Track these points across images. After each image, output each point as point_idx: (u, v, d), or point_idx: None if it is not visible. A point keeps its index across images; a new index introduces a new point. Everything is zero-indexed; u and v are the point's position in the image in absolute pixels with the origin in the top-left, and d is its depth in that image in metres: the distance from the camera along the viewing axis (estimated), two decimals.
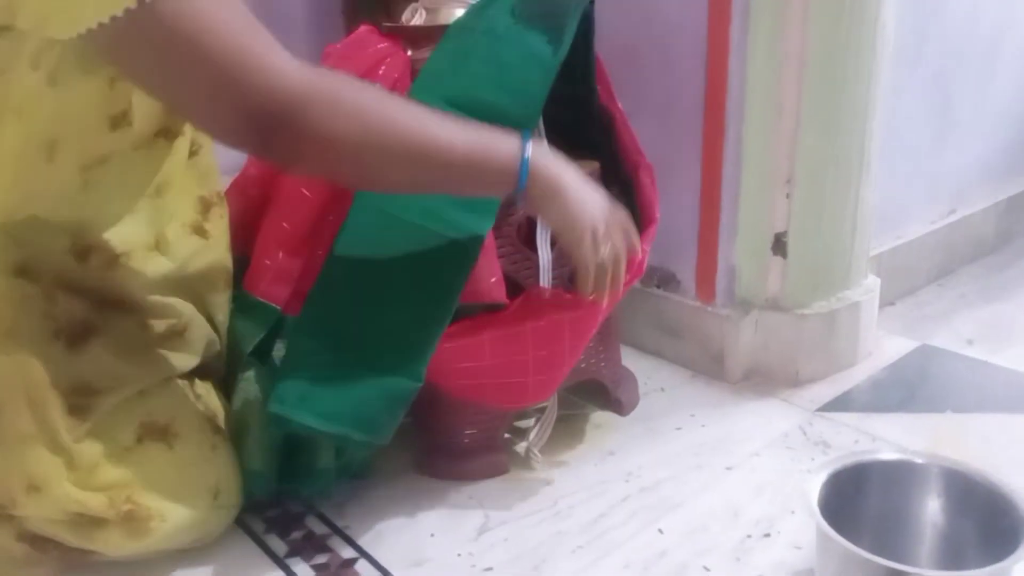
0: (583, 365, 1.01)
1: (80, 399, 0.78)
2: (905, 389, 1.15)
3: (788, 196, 1.12)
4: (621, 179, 1.01)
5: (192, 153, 0.87)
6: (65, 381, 0.77)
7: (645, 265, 0.97)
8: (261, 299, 0.89)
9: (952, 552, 0.77)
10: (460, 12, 0.96)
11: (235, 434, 0.89)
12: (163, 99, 0.76)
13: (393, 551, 0.87)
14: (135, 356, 0.82)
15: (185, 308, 0.86)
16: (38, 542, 0.80)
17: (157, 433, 0.83)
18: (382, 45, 0.95)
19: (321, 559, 0.86)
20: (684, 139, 1.14)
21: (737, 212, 1.14)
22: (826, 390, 1.14)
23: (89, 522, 0.78)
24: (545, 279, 0.95)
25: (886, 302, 1.33)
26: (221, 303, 0.91)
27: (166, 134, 0.82)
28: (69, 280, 0.79)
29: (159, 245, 0.83)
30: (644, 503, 0.93)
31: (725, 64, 1.08)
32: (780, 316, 1.16)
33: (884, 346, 1.25)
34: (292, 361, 0.85)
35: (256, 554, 0.87)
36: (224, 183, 0.94)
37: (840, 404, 1.11)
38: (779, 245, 1.14)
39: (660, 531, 0.88)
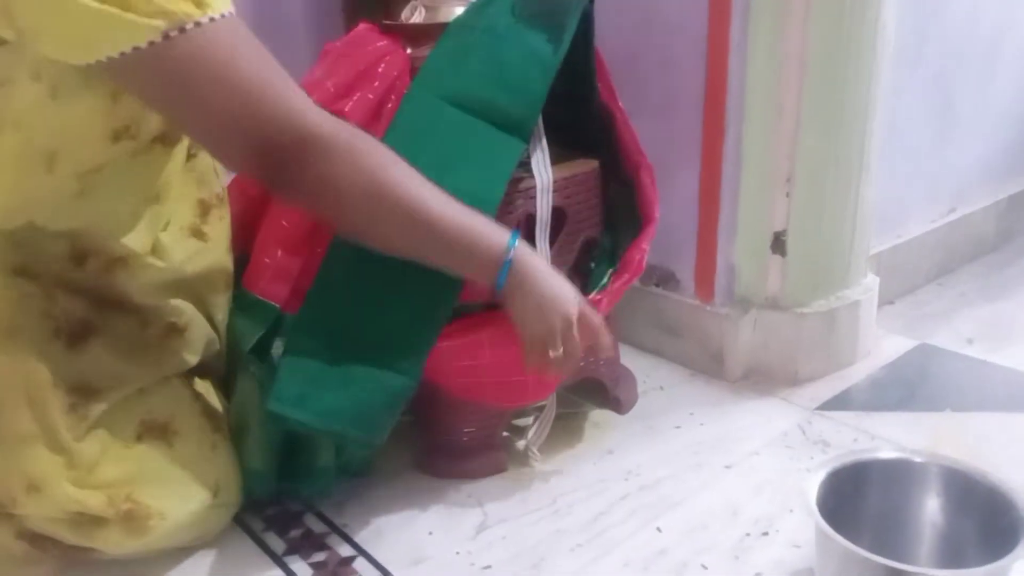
0: (582, 363, 1.01)
1: (80, 398, 0.78)
2: (904, 388, 1.15)
3: (788, 195, 1.12)
4: (621, 178, 1.01)
5: (190, 156, 0.87)
6: (65, 380, 0.77)
7: (644, 264, 0.97)
8: (260, 297, 0.89)
9: (951, 551, 0.77)
10: (460, 10, 0.96)
11: (235, 433, 0.89)
12: (176, 123, 0.78)
13: (392, 549, 0.87)
14: (135, 355, 0.82)
15: (185, 307, 0.86)
16: (38, 540, 0.80)
17: (157, 431, 0.83)
18: (381, 43, 0.94)
19: (319, 557, 0.86)
20: (684, 138, 1.14)
21: (737, 211, 1.14)
22: (825, 389, 1.14)
23: (89, 520, 0.78)
24: None
25: (886, 301, 1.33)
26: (221, 303, 0.91)
27: (164, 140, 0.81)
28: (68, 281, 0.79)
29: (155, 249, 0.83)
30: (643, 501, 0.93)
31: (725, 64, 1.08)
32: (779, 315, 1.16)
33: (883, 345, 1.25)
34: (291, 359, 0.85)
35: (254, 552, 0.87)
36: (224, 182, 0.94)
37: (839, 403, 1.11)
38: (779, 244, 1.14)
39: (659, 529, 0.88)
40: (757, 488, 0.94)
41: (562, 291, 0.84)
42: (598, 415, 1.09)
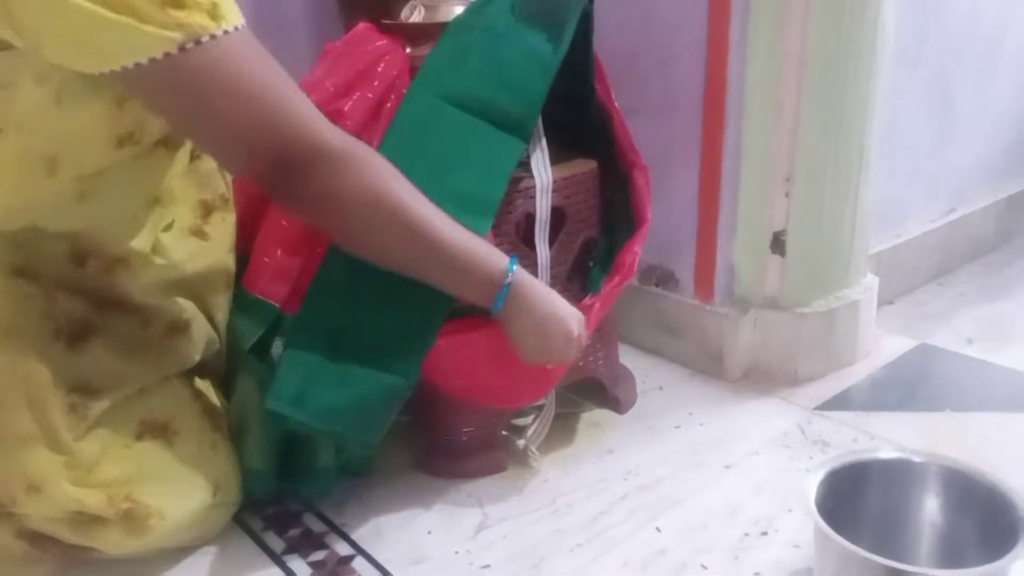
0: (581, 363, 1.01)
1: (80, 398, 0.78)
2: (904, 388, 1.15)
3: (787, 195, 1.12)
4: (618, 178, 1.01)
5: (194, 157, 0.87)
6: (65, 380, 0.77)
7: (635, 267, 0.96)
8: (260, 297, 0.89)
9: (951, 551, 0.77)
10: (459, 9, 0.96)
11: (235, 432, 0.89)
12: (186, 132, 0.78)
13: (391, 549, 0.87)
14: (135, 355, 0.82)
15: (186, 307, 0.86)
16: (37, 540, 0.80)
17: (157, 431, 0.83)
18: (381, 42, 0.94)
19: (318, 556, 0.86)
20: (683, 138, 1.14)
21: (736, 211, 1.14)
22: (825, 389, 1.14)
23: (89, 520, 0.78)
24: (543, 277, 0.95)
25: (885, 301, 1.33)
26: (221, 303, 0.91)
27: (167, 144, 0.81)
28: (68, 281, 0.79)
29: (156, 249, 0.83)
30: (642, 501, 0.93)
31: (725, 63, 1.08)
32: (779, 315, 1.16)
33: (883, 345, 1.25)
34: (290, 358, 0.85)
35: (254, 551, 0.87)
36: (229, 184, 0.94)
37: (839, 403, 1.11)
38: (778, 244, 1.14)
39: (658, 529, 0.88)
40: (756, 488, 0.94)
41: (562, 311, 0.86)
42: (597, 415, 1.09)
